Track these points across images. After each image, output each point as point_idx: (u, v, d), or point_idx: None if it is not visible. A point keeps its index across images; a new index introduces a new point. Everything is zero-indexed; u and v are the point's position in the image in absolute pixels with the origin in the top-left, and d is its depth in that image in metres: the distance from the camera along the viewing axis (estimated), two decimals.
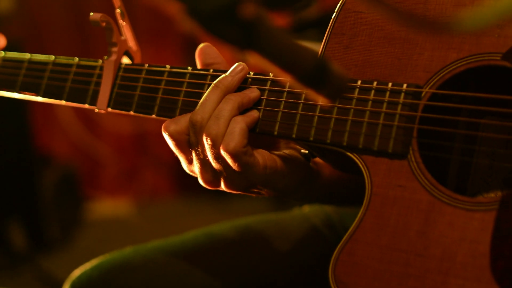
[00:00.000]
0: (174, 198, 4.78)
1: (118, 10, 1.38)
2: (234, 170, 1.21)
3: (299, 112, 1.25)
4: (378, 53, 1.23)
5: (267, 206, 3.89)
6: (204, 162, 1.24)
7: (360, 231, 1.17)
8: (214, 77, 1.30)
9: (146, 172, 4.74)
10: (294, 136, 1.25)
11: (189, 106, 1.31)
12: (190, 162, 1.27)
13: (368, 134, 1.19)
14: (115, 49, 1.38)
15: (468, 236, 1.10)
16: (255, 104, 1.27)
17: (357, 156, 1.20)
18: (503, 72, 1.16)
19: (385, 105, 1.19)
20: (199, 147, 1.23)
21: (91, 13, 1.36)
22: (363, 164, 1.20)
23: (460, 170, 1.28)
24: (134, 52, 1.41)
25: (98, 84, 1.41)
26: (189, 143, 1.24)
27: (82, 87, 1.43)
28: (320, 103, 1.22)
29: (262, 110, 1.27)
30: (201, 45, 1.33)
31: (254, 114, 1.25)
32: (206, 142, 1.21)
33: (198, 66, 1.35)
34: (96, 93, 1.40)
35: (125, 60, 1.41)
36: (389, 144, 1.17)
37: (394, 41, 1.23)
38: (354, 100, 1.21)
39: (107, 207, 4.61)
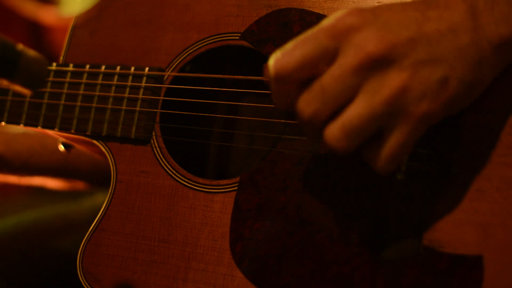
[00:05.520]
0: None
1: None
2: None
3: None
4: (124, 37, 1.20)
5: None
6: None
7: (106, 220, 1.14)
8: None
9: None
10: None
11: None
12: None
13: (111, 121, 1.16)
14: None
15: (209, 219, 1.09)
16: None
17: (102, 144, 1.17)
18: (254, 53, 1.15)
19: (127, 90, 1.16)
20: None
21: None
22: (108, 151, 1.16)
23: (221, 153, 1.27)
24: None
25: None
26: None
27: None
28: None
29: None
30: None
31: None
32: None
33: None
34: None
35: None
36: (132, 130, 1.15)
37: (138, 24, 1.20)
38: (98, 86, 1.17)
39: None
